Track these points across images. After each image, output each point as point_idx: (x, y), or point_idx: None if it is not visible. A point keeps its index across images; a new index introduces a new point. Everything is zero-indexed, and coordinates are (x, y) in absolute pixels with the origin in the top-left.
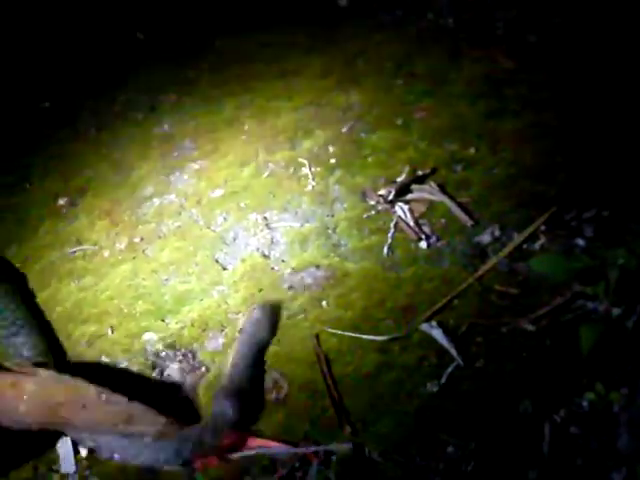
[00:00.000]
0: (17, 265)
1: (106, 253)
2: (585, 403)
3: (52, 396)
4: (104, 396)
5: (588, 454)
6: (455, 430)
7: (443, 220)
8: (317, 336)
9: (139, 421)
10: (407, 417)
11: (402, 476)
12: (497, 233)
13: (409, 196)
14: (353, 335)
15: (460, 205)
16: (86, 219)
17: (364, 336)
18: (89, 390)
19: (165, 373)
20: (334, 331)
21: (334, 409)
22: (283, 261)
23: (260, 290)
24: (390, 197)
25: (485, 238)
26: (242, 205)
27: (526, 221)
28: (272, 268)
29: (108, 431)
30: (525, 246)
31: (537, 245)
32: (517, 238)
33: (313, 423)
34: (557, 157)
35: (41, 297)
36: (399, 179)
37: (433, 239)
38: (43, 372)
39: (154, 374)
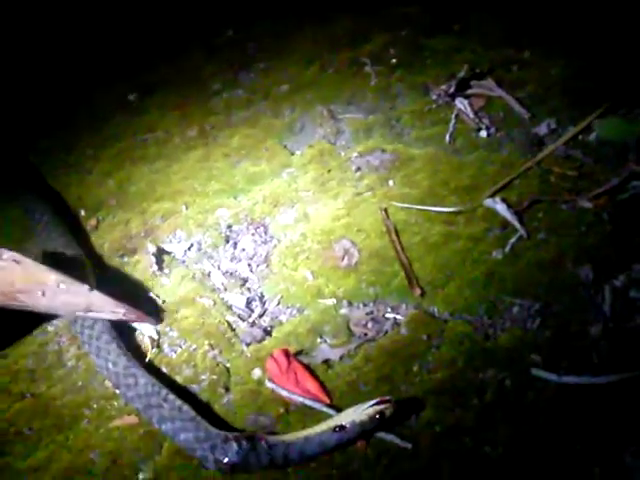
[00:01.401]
0: (90, 151)
1: (177, 140)
2: None
3: (10, 282)
4: (63, 285)
5: None
6: (520, 293)
7: (501, 113)
8: (385, 210)
9: (98, 309)
10: (473, 282)
11: (470, 332)
12: (553, 125)
13: (469, 91)
14: (420, 208)
15: (518, 100)
16: (156, 112)
17: (431, 208)
18: (49, 278)
19: (239, 246)
20: (401, 205)
21: (404, 273)
22: (349, 147)
23: (329, 171)
24: (451, 91)
25: (542, 129)
26: (308, 98)
27: (581, 116)
28: (339, 153)
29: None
30: (580, 137)
31: (592, 137)
32: (573, 129)
33: (383, 287)
34: (609, 60)
35: (116, 178)
36: (459, 75)
37: (492, 130)
38: (5, 254)
39: (227, 246)
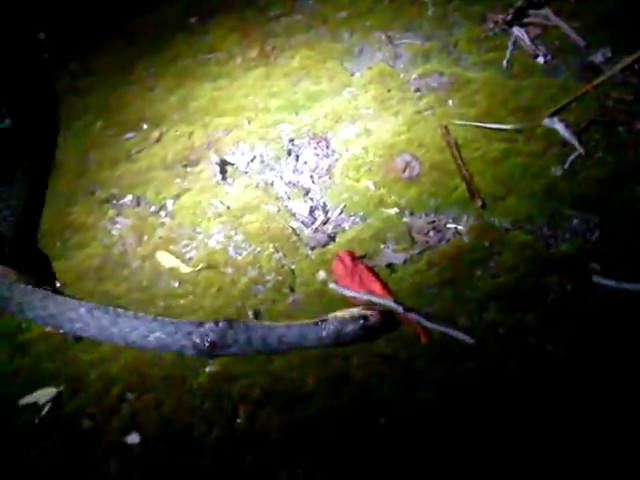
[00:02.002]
0: (152, 69)
1: (238, 60)
2: None
3: None
4: None
5: None
6: (579, 207)
7: (557, 42)
8: (445, 126)
9: None
10: (533, 195)
11: (531, 241)
12: (609, 54)
13: (525, 20)
14: (480, 125)
15: (574, 29)
16: (217, 33)
17: (491, 125)
18: None
19: (301, 159)
20: (461, 123)
21: (465, 185)
22: (407, 70)
23: (388, 91)
24: (508, 19)
25: (598, 57)
26: (366, 25)
27: (637, 45)
28: (398, 75)
29: None
30: (636, 66)
31: None
32: (629, 57)
33: (445, 198)
34: None
35: (178, 94)
36: (516, 5)
37: (549, 57)
38: None
39: (289, 159)
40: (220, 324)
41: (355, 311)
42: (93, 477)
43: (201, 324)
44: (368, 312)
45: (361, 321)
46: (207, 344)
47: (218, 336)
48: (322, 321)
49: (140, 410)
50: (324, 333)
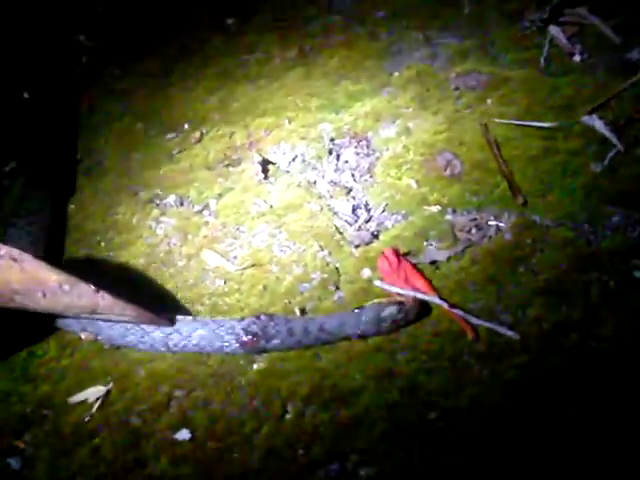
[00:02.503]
0: (191, 71)
1: (277, 60)
2: None
3: (6, 282)
4: (67, 286)
5: None
6: (619, 204)
7: (594, 40)
8: (485, 125)
9: (106, 312)
10: (574, 192)
11: (573, 238)
12: None
13: (561, 19)
14: (519, 123)
15: (610, 27)
16: (255, 34)
17: (530, 123)
18: (50, 278)
19: (342, 158)
20: (500, 121)
21: (506, 183)
22: (446, 69)
23: (427, 90)
24: (544, 17)
25: (635, 55)
26: (403, 24)
27: None
28: (436, 74)
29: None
30: None
31: None
32: None
33: (486, 195)
34: None
35: (218, 95)
36: (553, 2)
37: (586, 55)
38: (2, 250)
39: (330, 158)
40: (261, 317)
41: (391, 299)
42: (143, 473)
43: (242, 319)
44: (404, 299)
45: (397, 306)
46: (250, 337)
47: (260, 328)
48: (360, 308)
49: (189, 407)
50: (364, 318)
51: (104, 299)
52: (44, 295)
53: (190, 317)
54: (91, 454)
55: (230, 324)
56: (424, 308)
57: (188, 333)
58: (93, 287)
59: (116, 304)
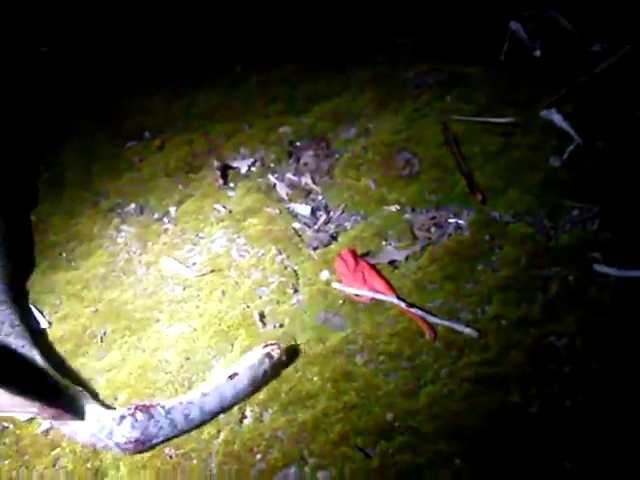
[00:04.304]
0: (151, 79)
1: (237, 67)
2: None
3: None
4: None
5: None
6: (579, 197)
7: (554, 34)
8: (444, 123)
9: (6, 410)
10: (533, 187)
11: (532, 233)
12: (605, 45)
13: (522, 14)
14: (478, 120)
15: (570, 21)
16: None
17: (489, 119)
18: None
19: (301, 161)
20: (460, 118)
21: (465, 181)
22: (406, 68)
23: (387, 90)
24: (505, 12)
25: (595, 48)
26: (363, 26)
27: (633, 35)
28: (396, 74)
29: None
30: (633, 55)
31: None
32: (626, 47)
33: (445, 193)
34: None
35: (179, 103)
36: None
37: (546, 49)
38: None
39: (291, 161)
40: (138, 416)
41: (257, 353)
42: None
43: (122, 418)
44: (268, 349)
45: (267, 360)
46: (132, 442)
47: (140, 431)
48: (234, 375)
49: None
50: (240, 385)
51: (2, 396)
52: None
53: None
54: (52, 465)
55: (109, 428)
56: (292, 352)
57: (75, 430)
58: None
59: (16, 401)
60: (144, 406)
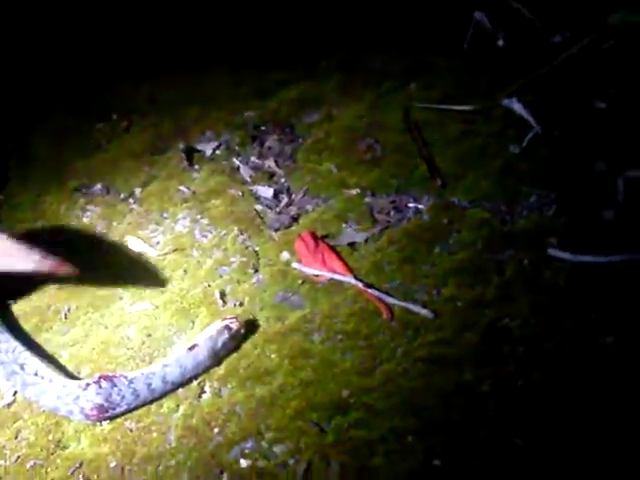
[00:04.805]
0: (120, 62)
1: (206, 52)
2: None
3: None
4: None
5: None
6: (536, 184)
7: (517, 24)
8: (407, 110)
9: (8, 256)
10: (492, 173)
11: (489, 218)
12: (567, 35)
13: (486, 4)
14: (440, 107)
15: (533, 12)
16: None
17: (451, 107)
18: None
19: (265, 145)
20: (422, 105)
21: (425, 166)
22: (370, 57)
23: (352, 76)
24: (468, 2)
25: (556, 39)
26: (329, 13)
27: (594, 26)
28: (361, 61)
29: None
30: (595, 45)
31: (605, 45)
32: (587, 37)
33: (406, 178)
34: None
35: (147, 86)
36: None
37: (508, 40)
38: None
39: (255, 144)
40: (102, 384)
41: (217, 324)
42: (64, 454)
43: (87, 386)
44: (228, 321)
45: (226, 332)
46: (96, 409)
47: (104, 398)
48: (194, 346)
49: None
50: (201, 357)
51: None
52: None
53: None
54: (14, 437)
55: (75, 393)
56: (250, 326)
57: (40, 392)
58: None
59: (15, 248)
60: (107, 376)
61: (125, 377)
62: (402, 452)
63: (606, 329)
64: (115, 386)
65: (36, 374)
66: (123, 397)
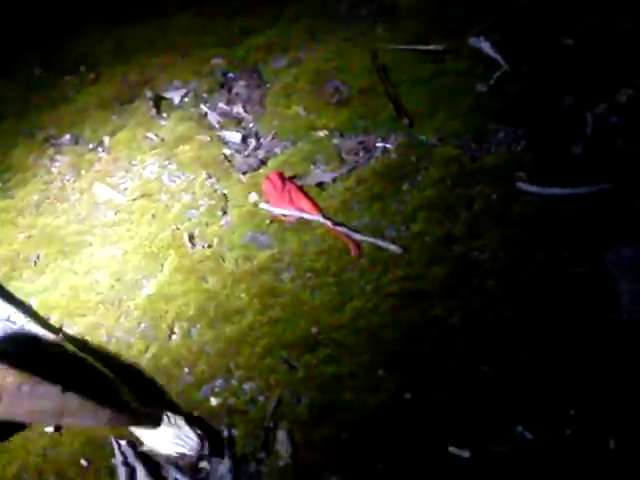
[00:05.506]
0: (86, 14)
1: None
2: (624, 97)
3: None
4: (26, 387)
5: (627, 135)
6: (505, 120)
7: None
8: (374, 52)
9: (75, 415)
10: (460, 111)
11: (458, 155)
12: None
13: None
14: (407, 48)
15: None
16: None
17: (418, 47)
18: (5, 380)
19: (233, 91)
20: (390, 47)
21: (393, 106)
22: (337, 1)
23: (319, 21)
24: None
25: None
26: None
27: None
28: (328, 6)
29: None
30: None
31: None
32: None
33: (374, 119)
34: None
35: (114, 37)
36: None
37: None
38: None
39: (223, 91)
40: None
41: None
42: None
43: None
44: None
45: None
46: None
47: None
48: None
49: (79, 333)
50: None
51: (71, 401)
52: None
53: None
54: None
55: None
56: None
57: None
58: (58, 386)
59: (85, 405)
60: None
61: None
62: (372, 386)
63: (575, 260)
64: None
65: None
66: None
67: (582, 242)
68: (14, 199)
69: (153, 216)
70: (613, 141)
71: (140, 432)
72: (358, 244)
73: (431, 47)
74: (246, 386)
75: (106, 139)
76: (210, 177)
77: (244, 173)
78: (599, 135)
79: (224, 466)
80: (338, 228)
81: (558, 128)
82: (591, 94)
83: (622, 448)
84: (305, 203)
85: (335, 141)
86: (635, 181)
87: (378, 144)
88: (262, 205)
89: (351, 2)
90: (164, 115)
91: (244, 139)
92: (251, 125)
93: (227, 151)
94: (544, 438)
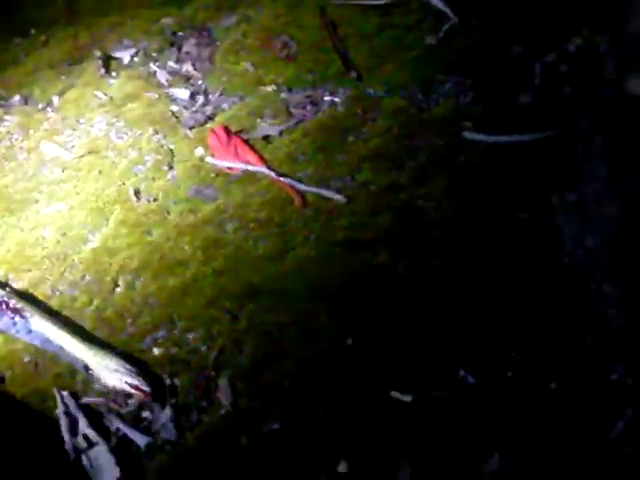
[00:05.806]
0: None
1: None
2: (573, 47)
3: None
4: None
5: (575, 84)
6: (453, 72)
7: None
8: (322, 7)
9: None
10: (408, 64)
11: (405, 106)
12: None
13: None
14: (356, 3)
15: None
16: None
17: (367, 1)
18: None
19: (183, 49)
20: (338, 2)
21: (340, 60)
22: None
23: None
24: None
25: None
26: None
27: None
28: None
29: None
30: None
31: None
32: None
33: (321, 73)
34: None
35: None
36: None
37: None
38: None
39: (172, 49)
40: None
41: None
42: None
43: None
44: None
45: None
46: None
47: None
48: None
49: (24, 287)
50: None
51: None
52: None
53: None
54: None
55: None
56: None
57: None
58: None
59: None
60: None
61: None
62: (314, 333)
63: (521, 206)
64: None
65: None
66: None
67: (527, 188)
68: None
69: (100, 172)
70: (561, 89)
71: (89, 359)
72: (302, 194)
73: (379, 2)
74: (189, 336)
75: (55, 99)
76: (157, 133)
77: (191, 128)
78: (547, 84)
79: (166, 415)
80: (282, 179)
81: (506, 78)
82: (540, 44)
83: (563, 389)
84: (250, 156)
85: (283, 95)
86: (576, 127)
87: (326, 98)
88: (207, 159)
89: None
90: (113, 74)
91: (192, 96)
92: (200, 82)
93: (175, 108)
94: (486, 381)
